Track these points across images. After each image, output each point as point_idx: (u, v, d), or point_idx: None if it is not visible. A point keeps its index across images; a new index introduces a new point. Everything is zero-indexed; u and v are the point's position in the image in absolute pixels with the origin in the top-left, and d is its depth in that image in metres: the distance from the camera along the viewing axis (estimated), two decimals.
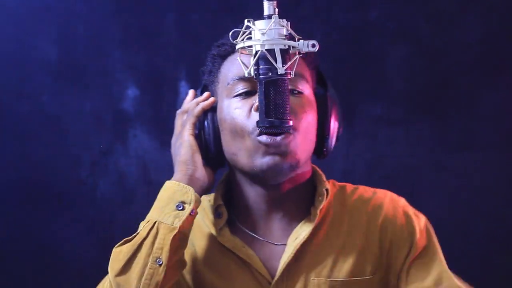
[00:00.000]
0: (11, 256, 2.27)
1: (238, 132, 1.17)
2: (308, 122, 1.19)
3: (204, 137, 1.23)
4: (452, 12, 2.13)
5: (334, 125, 1.25)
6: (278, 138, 1.13)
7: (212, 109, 1.25)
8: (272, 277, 1.19)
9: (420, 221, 1.26)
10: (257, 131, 1.15)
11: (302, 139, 1.17)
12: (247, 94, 1.18)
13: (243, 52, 1.14)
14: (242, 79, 1.18)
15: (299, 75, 1.19)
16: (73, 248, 2.25)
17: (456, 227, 2.12)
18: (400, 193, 2.16)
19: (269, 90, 1.09)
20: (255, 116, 1.14)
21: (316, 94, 1.25)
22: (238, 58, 1.15)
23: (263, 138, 1.14)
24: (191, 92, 1.32)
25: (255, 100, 1.15)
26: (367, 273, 1.20)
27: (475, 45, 2.12)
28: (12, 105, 2.25)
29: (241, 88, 1.18)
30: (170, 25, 2.23)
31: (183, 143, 1.22)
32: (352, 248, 1.21)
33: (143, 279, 1.11)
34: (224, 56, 1.24)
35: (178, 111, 1.30)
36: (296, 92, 1.19)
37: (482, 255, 2.13)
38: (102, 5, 2.24)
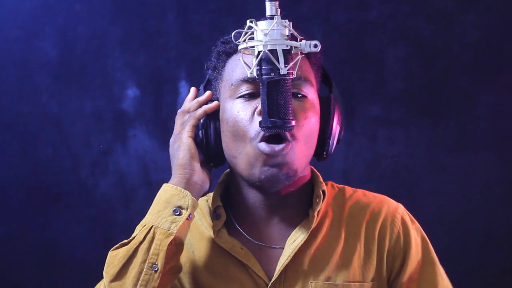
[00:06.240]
0: (11, 255, 2.27)
1: (240, 136, 1.15)
2: (309, 128, 1.17)
3: (204, 137, 1.21)
4: (452, 12, 2.14)
5: (336, 128, 1.23)
6: (277, 148, 1.12)
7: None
8: (270, 279, 1.18)
9: (417, 232, 1.25)
10: (260, 137, 1.13)
11: (302, 147, 1.16)
12: (250, 96, 1.16)
13: (246, 52, 1.14)
14: (247, 80, 1.16)
15: (304, 79, 1.17)
16: (73, 248, 2.25)
17: (455, 226, 2.13)
18: (399, 193, 2.18)
19: (272, 91, 1.08)
20: (258, 120, 1.12)
21: (319, 95, 1.22)
22: (241, 58, 1.14)
23: (263, 146, 1.13)
24: (192, 90, 1.28)
25: (259, 103, 1.13)
26: (367, 279, 1.19)
27: (474, 46, 2.12)
28: (12, 105, 2.25)
29: (244, 89, 1.16)
30: (171, 25, 2.23)
31: (182, 145, 1.20)
32: (351, 254, 1.20)
33: (138, 285, 1.09)
34: (229, 54, 1.22)
35: (179, 110, 1.26)
36: (300, 95, 1.17)
37: (481, 254, 2.13)
38: (102, 5, 2.24)
